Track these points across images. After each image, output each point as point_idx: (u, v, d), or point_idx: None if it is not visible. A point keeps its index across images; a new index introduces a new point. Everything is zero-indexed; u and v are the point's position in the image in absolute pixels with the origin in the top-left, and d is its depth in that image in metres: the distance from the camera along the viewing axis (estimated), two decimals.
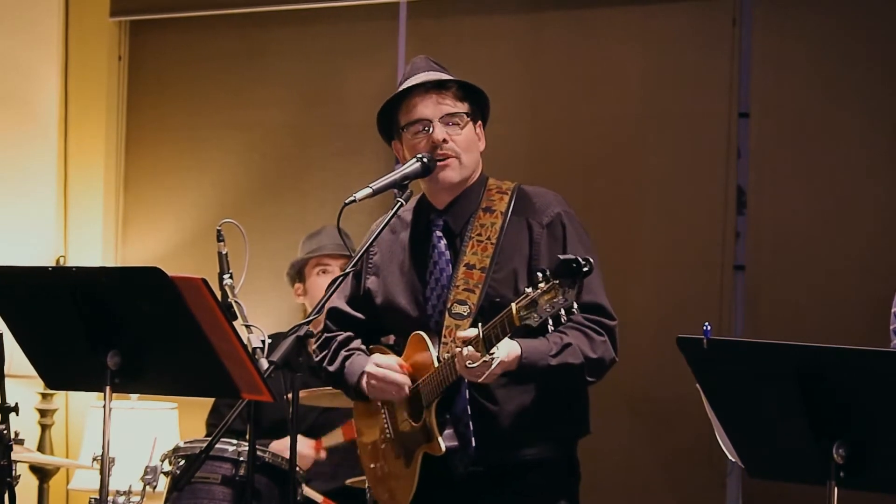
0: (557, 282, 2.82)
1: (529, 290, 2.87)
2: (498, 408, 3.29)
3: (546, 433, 3.33)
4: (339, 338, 3.54)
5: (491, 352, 3.03)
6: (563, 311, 2.83)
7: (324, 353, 3.55)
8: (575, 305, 2.83)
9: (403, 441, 3.40)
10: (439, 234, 3.40)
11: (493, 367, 3.06)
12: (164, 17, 5.70)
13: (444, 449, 3.25)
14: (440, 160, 3.34)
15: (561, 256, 2.84)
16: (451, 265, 3.36)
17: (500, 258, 3.30)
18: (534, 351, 3.18)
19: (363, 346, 3.52)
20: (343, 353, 3.50)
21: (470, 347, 3.06)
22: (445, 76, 3.39)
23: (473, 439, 3.28)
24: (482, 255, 3.31)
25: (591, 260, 2.82)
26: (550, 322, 2.85)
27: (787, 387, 2.62)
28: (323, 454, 4.53)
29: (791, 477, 2.84)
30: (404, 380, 3.32)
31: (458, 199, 3.40)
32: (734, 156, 4.78)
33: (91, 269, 3.30)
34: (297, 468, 3.88)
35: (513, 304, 2.93)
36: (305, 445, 4.48)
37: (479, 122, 3.43)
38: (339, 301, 3.56)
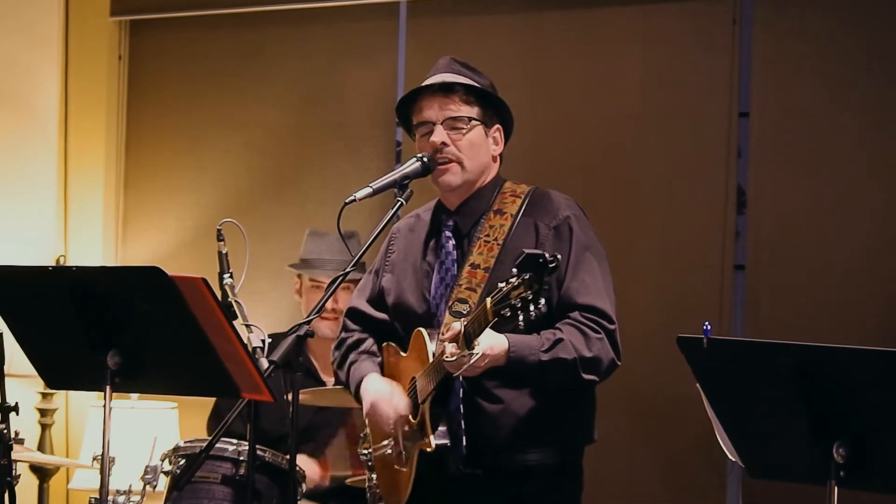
0: (526, 276, 2.85)
1: (502, 284, 2.90)
2: (495, 409, 3.29)
3: (547, 438, 3.32)
4: (350, 340, 3.58)
5: (472, 346, 3.05)
6: (532, 306, 2.86)
7: (336, 354, 3.58)
8: (542, 303, 2.85)
9: (404, 437, 3.40)
10: (448, 234, 3.43)
11: (473, 360, 3.06)
12: (164, 17, 5.70)
13: (433, 446, 3.25)
14: (441, 163, 3.35)
15: (526, 250, 2.88)
16: (456, 265, 3.38)
17: (504, 258, 3.30)
18: (523, 346, 3.18)
19: (374, 349, 3.53)
20: (351, 357, 3.53)
21: (452, 343, 3.09)
22: (459, 79, 3.38)
23: (465, 438, 3.28)
24: (488, 256, 3.32)
25: (558, 256, 2.87)
26: (521, 316, 2.87)
27: (787, 387, 2.63)
28: (327, 481, 4.51)
29: (791, 477, 2.85)
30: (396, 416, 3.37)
31: (469, 200, 3.42)
32: (734, 156, 4.78)
33: (91, 269, 3.30)
34: (297, 468, 3.88)
35: (487, 299, 2.95)
36: (312, 470, 4.46)
37: (497, 126, 3.43)
38: (359, 300, 3.60)
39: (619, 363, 3.29)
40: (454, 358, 3.09)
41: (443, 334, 3.21)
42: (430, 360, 3.25)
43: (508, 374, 3.24)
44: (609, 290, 3.33)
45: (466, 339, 3.05)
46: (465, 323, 3.06)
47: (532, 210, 3.37)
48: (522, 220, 3.36)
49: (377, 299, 3.57)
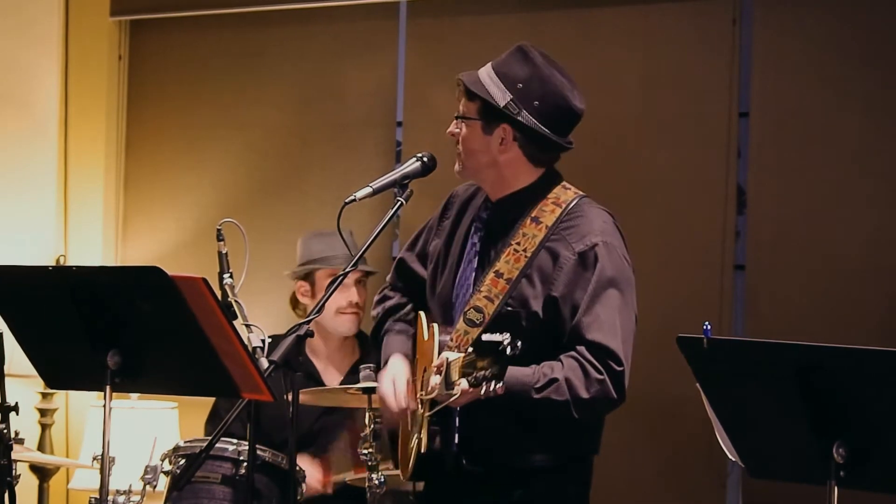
0: (486, 359, 2.82)
1: (470, 349, 2.87)
2: (494, 411, 3.26)
3: (547, 443, 3.27)
4: (389, 303, 3.54)
5: (451, 386, 3.00)
6: (494, 382, 2.81)
7: (377, 309, 3.56)
8: (501, 385, 2.81)
9: (413, 422, 3.39)
10: (479, 225, 3.37)
11: (450, 400, 3.03)
12: (164, 17, 5.70)
13: (424, 446, 3.22)
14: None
15: (484, 338, 2.83)
16: (477, 260, 3.33)
17: (526, 272, 3.23)
18: (514, 381, 3.05)
19: (411, 317, 3.49)
20: (387, 325, 3.51)
21: (437, 376, 3.06)
22: (472, 74, 3.32)
23: (457, 436, 3.24)
24: (513, 266, 3.24)
25: (519, 344, 2.78)
26: (483, 388, 2.83)
27: (787, 387, 2.63)
28: (330, 489, 4.50)
29: (791, 477, 2.85)
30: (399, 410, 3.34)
31: (506, 200, 3.32)
32: (734, 156, 4.78)
33: (91, 269, 3.31)
34: (298, 468, 3.88)
35: (461, 356, 2.93)
36: (313, 475, 4.44)
37: (501, 126, 3.27)
38: (408, 253, 3.56)
39: (619, 403, 3.19)
40: (434, 393, 3.07)
41: (452, 340, 3.20)
42: (435, 356, 3.22)
43: (499, 405, 3.11)
44: (626, 328, 3.21)
45: (446, 379, 3.01)
46: (449, 361, 3.00)
47: (565, 227, 3.26)
48: (552, 237, 3.25)
49: (423, 256, 3.52)
